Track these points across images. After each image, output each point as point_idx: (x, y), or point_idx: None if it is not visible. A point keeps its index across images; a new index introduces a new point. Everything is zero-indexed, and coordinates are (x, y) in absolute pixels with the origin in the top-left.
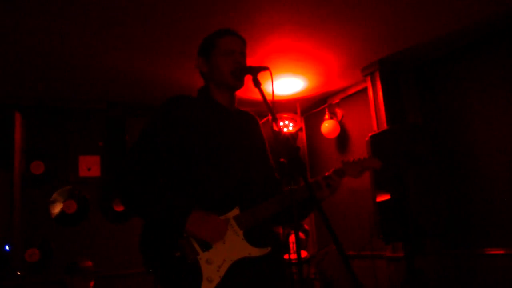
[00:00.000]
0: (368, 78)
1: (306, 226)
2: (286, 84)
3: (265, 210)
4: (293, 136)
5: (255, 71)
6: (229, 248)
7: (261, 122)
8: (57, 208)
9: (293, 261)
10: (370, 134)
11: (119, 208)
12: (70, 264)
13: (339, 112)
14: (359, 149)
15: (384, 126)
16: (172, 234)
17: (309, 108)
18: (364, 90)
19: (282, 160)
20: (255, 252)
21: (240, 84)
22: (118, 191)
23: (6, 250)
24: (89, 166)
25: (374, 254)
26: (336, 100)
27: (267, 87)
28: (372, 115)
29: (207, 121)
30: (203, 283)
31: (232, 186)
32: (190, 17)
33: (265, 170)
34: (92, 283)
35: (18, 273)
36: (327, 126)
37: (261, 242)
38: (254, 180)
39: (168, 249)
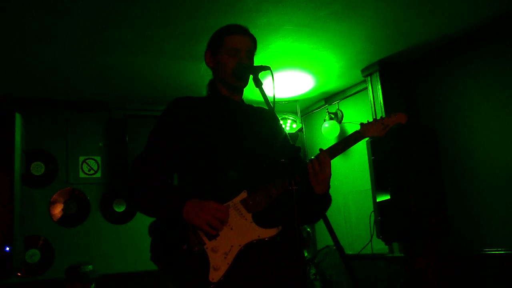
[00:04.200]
0: (368, 78)
1: (308, 229)
2: (287, 84)
3: (271, 191)
4: (293, 136)
5: (256, 71)
6: (236, 234)
7: None
8: (57, 209)
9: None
10: None
11: (120, 208)
12: (71, 267)
13: (339, 112)
14: (359, 149)
15: None
16: (178, 227)
17: (308, 108)
18: (364, 90)
19: (282, 160)
20: (264, 233)
21: (241, 83)
22: (128, 193)
23: (6, 251)
24: (90, 167)
25: (374, 254)
26: (336, 100)
27: (268, 87)
28: (372, 115)
29: (214, 113)
30: (210, 272)
31: (240, 172)
32: (190, 18)
33: (274, 156)
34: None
35: (19, 274)
36: (327, 126)
37: (271, 223)
38: (262, 165)
39: (175, 243)
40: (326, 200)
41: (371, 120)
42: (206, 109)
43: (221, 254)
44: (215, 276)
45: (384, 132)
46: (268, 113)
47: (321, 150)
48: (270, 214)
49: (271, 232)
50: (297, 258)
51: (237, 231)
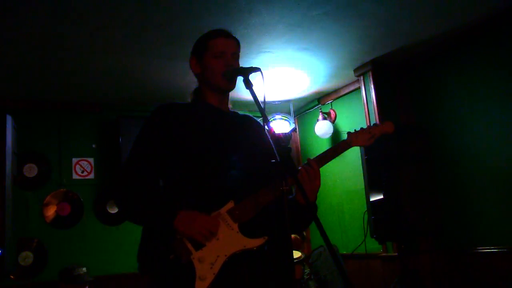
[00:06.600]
0: (361, 78)
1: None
2: (280, 84)
3: (258, 200)
4: (286, 137)
5: (246, 72)
6: (223, 244)
7: None
8: (50, 211)
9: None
10: None
11: (113, 210)
12: (64, 270)
13: (332, 112)
14: (352, 149)
15: None
16: (165, 237)
17: (302, 108)
18: (357, 90)
19: (273, 161)
20: (250, 243)
21: (231, 86)
22: (114, 200)
23: None
24: (83, 168)
25: (368, 254)
26: (329, 100)
27: (258, 88)
28: (365, 115)
29: (199, 122)
30: (196, 282)
31: (226, 182)
32: (182, 19)
33: (261, 166)
34: None
35: (12, 276)
36: (321, 126)
37: (257, 233)
38: (249, 175)
39: (163, 253)
40: (313, 209)
41: (364, 120)
42: (190, 117)
43: (207, 264)
44: (201, 286)
45: (371, 141)
46: (253, 120)
47: (309, 159)
48: (257, 224)
49: (257, 242)
50: (285, 267)
51: (224, 241)
